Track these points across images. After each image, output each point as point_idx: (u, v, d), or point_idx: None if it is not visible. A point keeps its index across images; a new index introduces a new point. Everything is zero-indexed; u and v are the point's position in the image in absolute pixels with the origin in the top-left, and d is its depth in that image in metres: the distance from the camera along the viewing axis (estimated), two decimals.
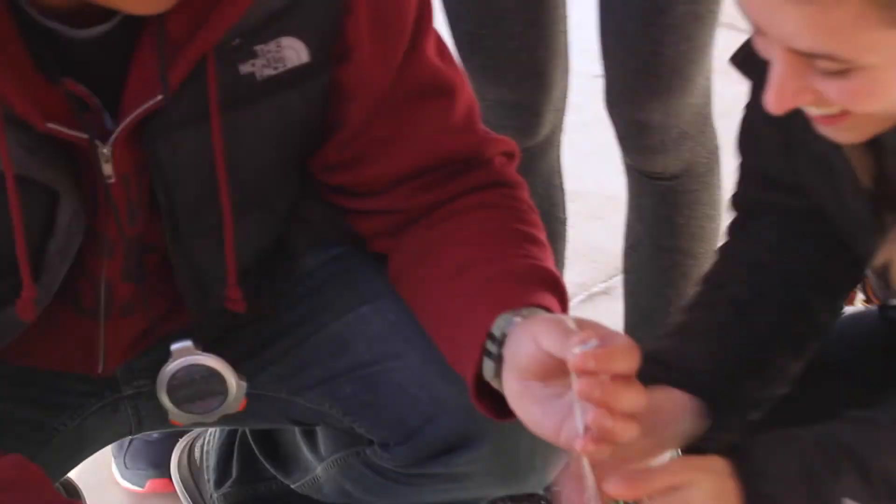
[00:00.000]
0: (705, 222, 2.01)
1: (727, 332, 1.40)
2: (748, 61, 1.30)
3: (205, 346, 1.45)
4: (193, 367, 1.44)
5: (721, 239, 1.57)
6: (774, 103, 1.16)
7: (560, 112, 2.02)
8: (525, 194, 1.47)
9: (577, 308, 2.37)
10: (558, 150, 2.09)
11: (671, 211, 1.99)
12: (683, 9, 1.79)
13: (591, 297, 2.53)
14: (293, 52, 1.30)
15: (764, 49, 1.17)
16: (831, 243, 1.44)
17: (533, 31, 1.88)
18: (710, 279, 1.48)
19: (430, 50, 1.40)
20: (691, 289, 1.99)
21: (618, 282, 2.58)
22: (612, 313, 2.36)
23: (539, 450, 1.46)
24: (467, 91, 1.45)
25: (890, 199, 1.29)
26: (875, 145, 1.25)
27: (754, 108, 1.22)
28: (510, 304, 1.28)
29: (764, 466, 1.24)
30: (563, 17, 1.95)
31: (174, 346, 1.45)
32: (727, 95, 1.87)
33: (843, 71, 1.11)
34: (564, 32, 1.96)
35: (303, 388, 1.53)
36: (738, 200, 1.51)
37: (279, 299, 1.52)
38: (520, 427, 1.36)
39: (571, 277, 2.32)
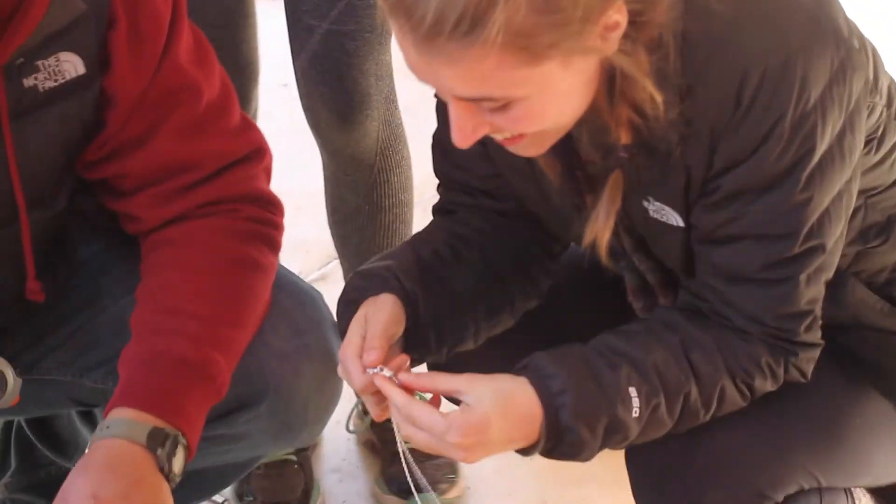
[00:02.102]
0: (410, 172, 2.22)
1: (430, 271, 1.57)
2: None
3: None
4: None
5: None
6: (459, 140, 1.36)
7: (254, 118, 2.15)
8: (249, 209, 1.59)
9: None
10: None
11: (389, 175, 2.18)
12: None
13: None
14: (71, 65, 1.43)
15: (441, 96, 1.37)
16: (531, 236, 1.65)
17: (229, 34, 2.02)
18: (416, 239, 1.65)
19: (182, 56, 1.53)
20: (410, 233, 2.21)
21: (331, 268, 2.78)
22: (329, 296, 2.55)
23: (311, 405, 1.63)
24: (212, 92, 1.56)
25: (586, 183, 1.51)
26: (560, 143, 1.45)
27: (447, 128, 1.39)
28: (124, 402, 1.45)
29: (552, 371, 1.42)
30: (254, 27, 2.11)
31: None
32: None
33: (504, 105, 1.32)
34: (256, 43, 2.12)
35: (86, 370, 1.64)
36: (441, 207, 1.68)
37: (60, 287, 1.62)
38: (293, 386, 1.52)
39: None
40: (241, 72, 2.08)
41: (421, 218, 1.72)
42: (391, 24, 1.30)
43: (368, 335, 1.45)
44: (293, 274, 1.71)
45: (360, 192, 2.18)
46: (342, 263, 2.36)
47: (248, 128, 1.61)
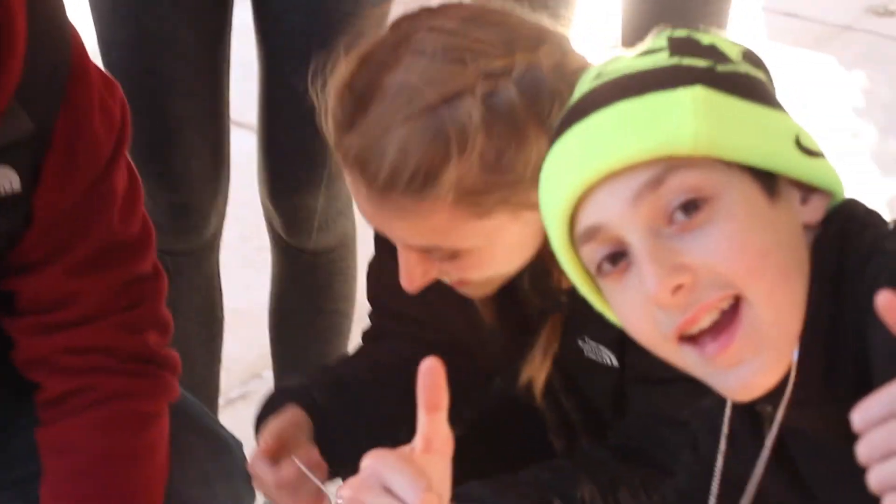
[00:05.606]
0: (354, 284, 2.22)
1: (348, 391, 1.55)
2: None
3: None
4: None
5: None
6: (408, 285, 1.37)
7: (221, 217, 2.11)
8: (114, 379, 1.50)
9: (219, 413, 2.53)
10: (218, 255, 2.17)
11: (331, 279, 2.19)
12: None
13: (229, 402, 2.68)
14: (7, 181, 1.35)
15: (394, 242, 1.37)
16: (457, 369, 1.60)
17: (204, 140, 1.99)
18: (338, 363, 1.64)
19: (109, 191, 1.45)
20: (345, 345, 2.23)
21: (253, 387, 2.78)
22: (249, 416, 2.55)
23: None
24: (127, 235, 1.49)
25: (520, 324, 1.49)
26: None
27: (384, 255, 1.38)
28: None
29: (485, 501, 1.39)
30: (228, 130, 2.06)
31: None
32: None
33: (453, 255, 1.33)
34: (229, 143, 2.07)
35: None
36: (371, 333, 1.65)
37: None
38: None
39: None
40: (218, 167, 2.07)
41: (359, 337, 1.75)
42: (345, 174, 1.32)
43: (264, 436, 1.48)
44: (213, 420, 1.69)
45: (301, 291, 2.19)
46: (274, 370, 2.35)
47: (153, 278, 1.53)
